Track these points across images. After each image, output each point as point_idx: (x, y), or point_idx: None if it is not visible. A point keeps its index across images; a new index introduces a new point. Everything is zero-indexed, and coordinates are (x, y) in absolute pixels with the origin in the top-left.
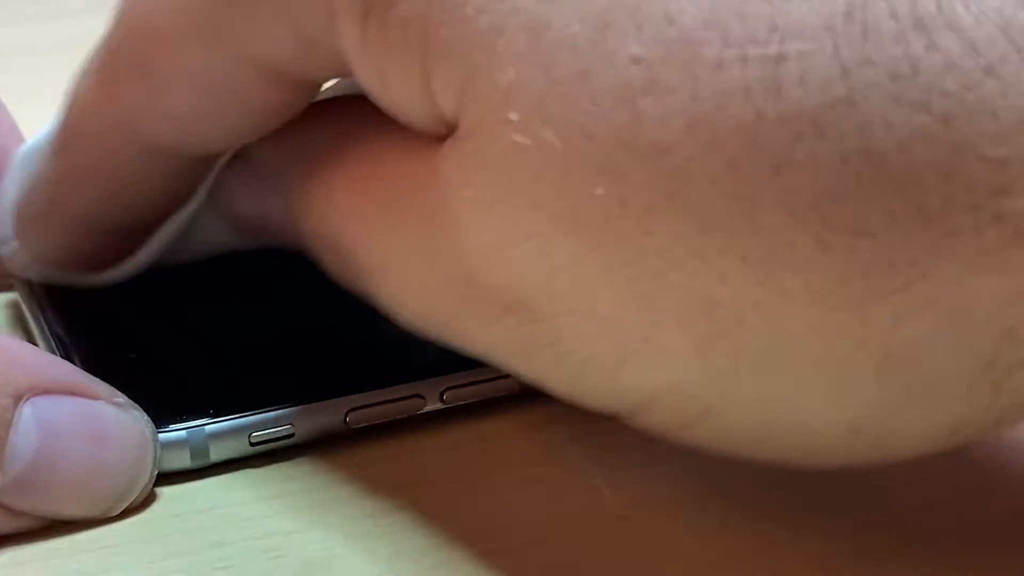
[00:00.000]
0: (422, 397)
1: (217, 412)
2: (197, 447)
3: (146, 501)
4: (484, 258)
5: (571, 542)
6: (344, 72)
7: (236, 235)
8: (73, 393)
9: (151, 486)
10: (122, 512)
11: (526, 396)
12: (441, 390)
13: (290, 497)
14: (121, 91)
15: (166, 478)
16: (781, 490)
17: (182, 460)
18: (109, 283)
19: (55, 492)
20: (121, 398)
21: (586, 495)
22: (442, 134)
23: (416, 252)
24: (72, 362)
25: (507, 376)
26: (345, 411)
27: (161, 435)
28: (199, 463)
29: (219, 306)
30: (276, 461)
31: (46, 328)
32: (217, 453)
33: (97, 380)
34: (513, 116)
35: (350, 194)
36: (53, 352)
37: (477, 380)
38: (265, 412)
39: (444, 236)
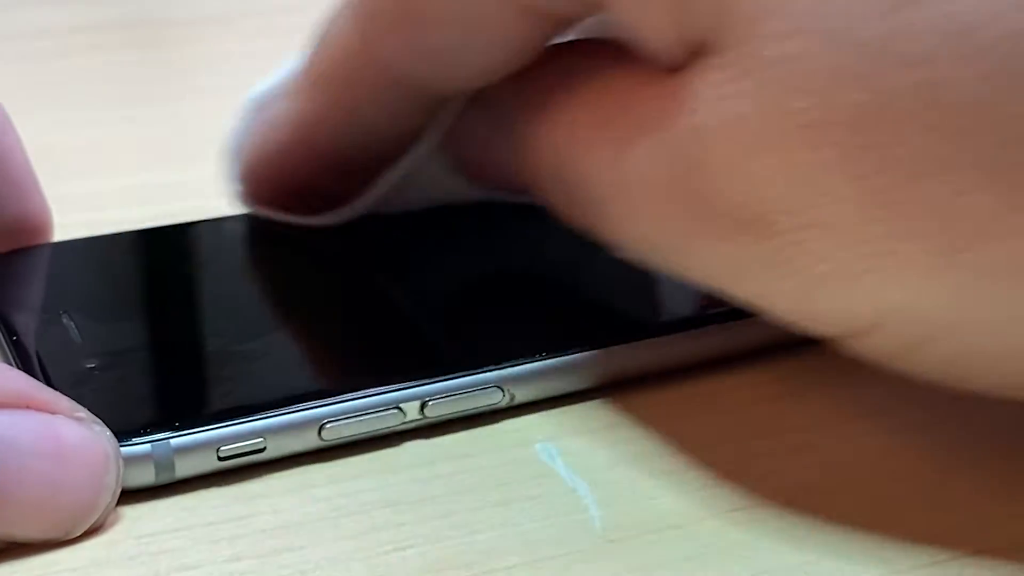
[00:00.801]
0: (401, 410)
1: (183, 425)
2: (162, 462)
3: (108, 521)
4: (725, 173)
5: (560, 566)
6: (596, 7)
7: (461, 178)
8: (30, 407)
9: (114, 505)
10: (83, 533)
11: (512, 410)
12: (422, 402)
13: (261, 517)
14: (382, 30)
15: (129, 496)
16: (782, 514)
17: (146, 476)
18: (330, 223)
19: (12, 513)
20: (82, 412)
21: (576, 516)
22: (680, 62)
23: (650, 175)
24: (29, 374)
25: (492, 387)
26: (319, 424)
27: (123, 450)
28: (164, 479)
29: (182, 311)
30: (246, 478)
31: (1, 338)
32: (183, 469)
33: (56, 393)
34: (775, 27)
35: (583, 125)
36: (9, 363)
37: (460, 391)
38: (234, 425)
39: (683, 156)
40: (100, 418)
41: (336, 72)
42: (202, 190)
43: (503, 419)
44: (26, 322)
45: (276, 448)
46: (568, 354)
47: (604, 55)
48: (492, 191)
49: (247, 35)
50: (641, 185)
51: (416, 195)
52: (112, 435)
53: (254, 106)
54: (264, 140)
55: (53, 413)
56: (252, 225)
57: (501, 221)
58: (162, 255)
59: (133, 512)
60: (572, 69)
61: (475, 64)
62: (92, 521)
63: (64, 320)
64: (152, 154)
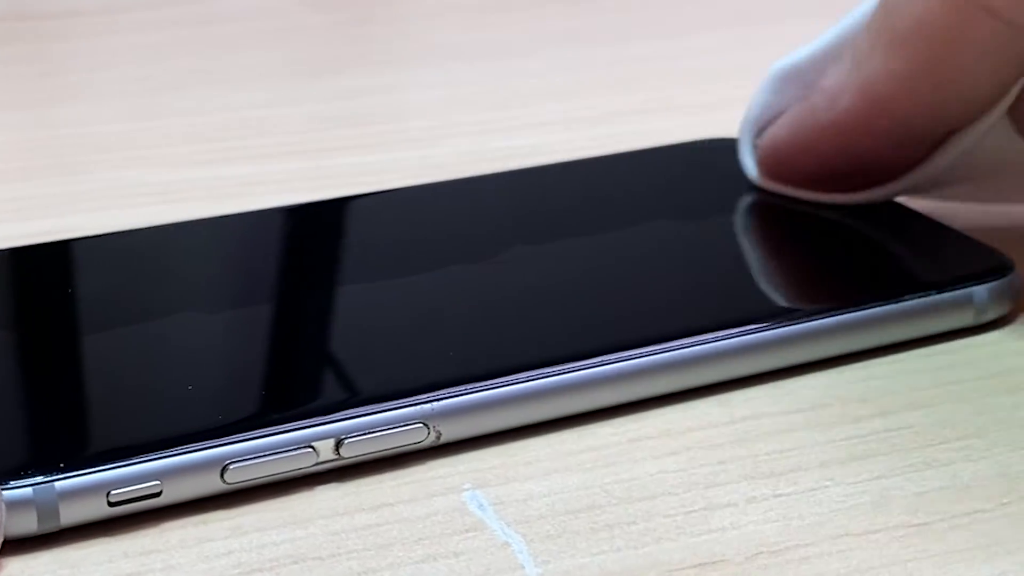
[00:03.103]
0: (314, 449)
1: (69, 466)
2: (45, 508)
3: None
4: None
5: None
6: None
7: None
8: None
9: None
10: None
11: (438, 450)
12: (336, 440)
13: (156, 575)
14: None
15: (6, 547)
16: (747, 570)
17: (27, 524)
18: (872, 201)
19: None
20: None
21: (509, 574)
22: None
23: None
24: None
25: (416, 424)
26: (222, 466)
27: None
28: (48, 527)
29: (66, 337)
30: (140, 526)
31: None
32: (69, 515)
33: None
34: None
35: None
36: None
37: (380, 428)
38: (127, 466)
39: None
40: None
41: (932, 25)
42: (86, 203)
43: (428, 460)
44: None
45: (174, 492)
46: (502, 386)
47: None
48: None
49: (133, 28)
50: None
51: (972, 168)
52: None
53: (783, 75)
54: (812, 111)
55: None
56: (146, 241)
57: (438, 224)
58: (43, 275)
59: (10, 567)
60: None
61: None
62: None
63: None
64: (28, 163)
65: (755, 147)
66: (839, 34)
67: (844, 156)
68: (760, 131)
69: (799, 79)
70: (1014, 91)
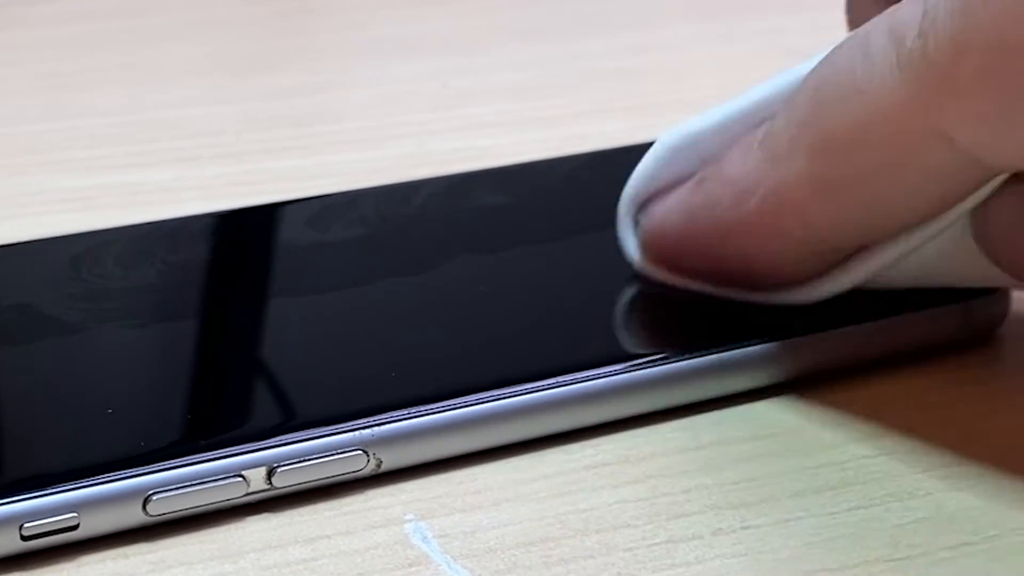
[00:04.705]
0: (244, 478)
1: None
2: None
3: None
4: None
5: None
6: None
7: (986, 263)
8: None
9: None
10: None
11: (379, 479)
12: (268, 469)
13: None
14: (955, 91)
15: None
16: None
17: None
18: (789, 303)
19: None
20: None
21: None
22: None
23: None
24: None
25: (354, 451)
26: (144, 496)
27: None
28: None
29: None
30: (56, 561)
31: None
32: None
33: None
34: None
35: None
36: None
37: (315, 456)
38: (41, 496)
39: None
40: None
41: (875, 139)
42: None
43: (368, 490)
44: None
45: (92, 525)
46: (447, 410)
47: None
48: None
49: (45, 21)
50: None
51: (913, 272)
52: None
53: (675, 146)
54: (712, 204)
55: None
56: (59, 251)
57: (379, 233)
58: None
59: None
60: None
61: None
62: None
63: None
64: None
65: (636, 223)
66: (744, 109)
67: (743, 257)
68: (642, 205)
69: (693, 151)
70: (958, 209)
